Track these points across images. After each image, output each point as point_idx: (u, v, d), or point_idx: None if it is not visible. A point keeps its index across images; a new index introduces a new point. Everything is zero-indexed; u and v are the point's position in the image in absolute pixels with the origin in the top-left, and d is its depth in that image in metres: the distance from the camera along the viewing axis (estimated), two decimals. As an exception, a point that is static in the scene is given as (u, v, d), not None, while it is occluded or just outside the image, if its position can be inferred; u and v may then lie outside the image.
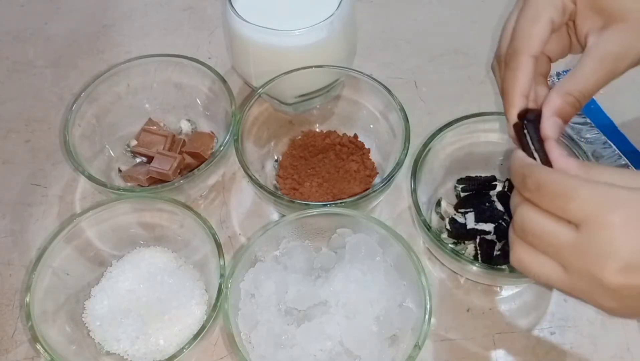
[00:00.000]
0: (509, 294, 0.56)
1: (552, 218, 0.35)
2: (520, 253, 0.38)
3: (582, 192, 0.34)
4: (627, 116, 0.65)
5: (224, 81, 0.61)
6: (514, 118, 0.42)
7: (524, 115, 0.41)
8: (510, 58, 0.43)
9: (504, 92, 0.44)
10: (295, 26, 0.58)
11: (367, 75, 0.60)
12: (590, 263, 0.34)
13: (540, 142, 0.40)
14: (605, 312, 0.36)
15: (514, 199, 0.39)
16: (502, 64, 0.45)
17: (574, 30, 0.44)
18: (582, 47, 0.43)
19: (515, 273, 0.50)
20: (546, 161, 0.39)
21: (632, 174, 0.36)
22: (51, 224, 0.62)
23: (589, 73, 0.41)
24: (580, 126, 0.64)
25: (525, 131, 0.41)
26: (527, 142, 0.41)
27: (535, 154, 0.40)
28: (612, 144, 0.62)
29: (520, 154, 0.39)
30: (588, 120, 0.64)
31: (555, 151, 0.39)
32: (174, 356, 0.46)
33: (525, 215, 0.37)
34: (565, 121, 0.41)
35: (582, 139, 0.62)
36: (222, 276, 0.49)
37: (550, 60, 0.46)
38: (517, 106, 0.42)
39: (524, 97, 0.43)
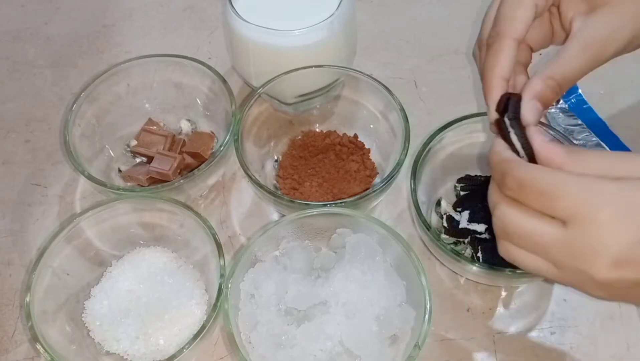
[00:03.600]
0: (509, 294, 0.56)
1: (536, 217, 0.35)
2: (508, 251, 0.37)
3: (569, 189, 0.33)
4: (619, 117, 0.65)
5: (224, 81, 0.61)
6: (493, 101, 0.41)
7: (503, 100, 0.39)
8: (493, 41, 0.42)
9: (483, 76, 0.42)
10: (295, 26, 0.58)
11: (367, 75, 0.60)
12: (580, 261, 0.33)
13: (522, 129, 0.38)
14: (596, 298, 0.36)
15: (492, 197, 0.37)
16: (483, 49, 0.44)
17: (558, 17, 0.43)
18: (567, 34, 0.42)
19: (516, 273, 0.50)
20: (529, 150, 0.37)
21: (621, 158, 0.35)
22: (51, 224, 0.62)
23: (573, 57, 0.40)
24: (572, 127, 0.64)
25: (505, 118, 0.38)
26: (508, 131, 0.38)
27: (517, 143, 0.37)
28: (604, 145, 0.62)
29: (499, 147, 0.37)
30: (580, 121, 0.64)
31: (537, 138, 0.37)
32: (174, 356, 0.46)
33: (505, 216, 0.36)
34: (545, 105, 0.40)
35: (574, 140, 0.62)
36: (222, 276, 0.49)
37: (532, 50, 0.45)
38: (496, 88, 0.41)
39: (504, 81, 0.42)
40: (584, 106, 0.65)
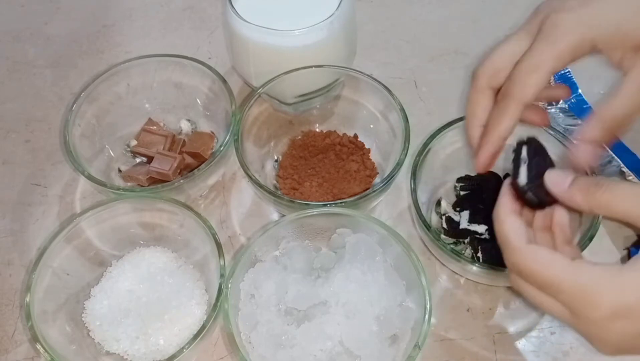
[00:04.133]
0: (509, 294, 0.56)
1: (544, 294, 0.38)
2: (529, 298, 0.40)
3: (565, 287, 0.36)
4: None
5: (224, 81, 0.61)
6: (486, 155, 0.44)
7: (522, 144, 0.43)
8: (501, 99, 0.44)
9: (487, 129, 0.44)
10: (295, 26, 0.58)
11: (367, 75, 0.60)
12: (586, 339, 0.37)
13: (537, 167, 0.40)
14: None
15: (506, 261, 0.40)
16: (476, 89, 0.46)
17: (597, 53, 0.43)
18: (617, 68, 0.43)
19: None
20: (542, 191, 0.40)
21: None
22: (51, 224, 0.62)
23: (628, 97, 0.41)
24: (572, 127, 0.64)
25: (527, 192, 0.41)
26: (524, 192, 0.41)
27: (525, 179, 0.40)
28: (605, 146, 0.61)
29: (501, 216, 0.40)
30: (580, 121, 0.64)
31: (556, 190, 0.39)
32: (174, 356, 0.46)
33: (518, 285, 0.39)
34: (599, 146, 0.43)
35: (575, 140, 0.62)
36: (222, 276, 0.49)
37: None
38: (494, 146, 0.44)
39: (503, 140, 0.44)
40: (584, 106, 0.65)
